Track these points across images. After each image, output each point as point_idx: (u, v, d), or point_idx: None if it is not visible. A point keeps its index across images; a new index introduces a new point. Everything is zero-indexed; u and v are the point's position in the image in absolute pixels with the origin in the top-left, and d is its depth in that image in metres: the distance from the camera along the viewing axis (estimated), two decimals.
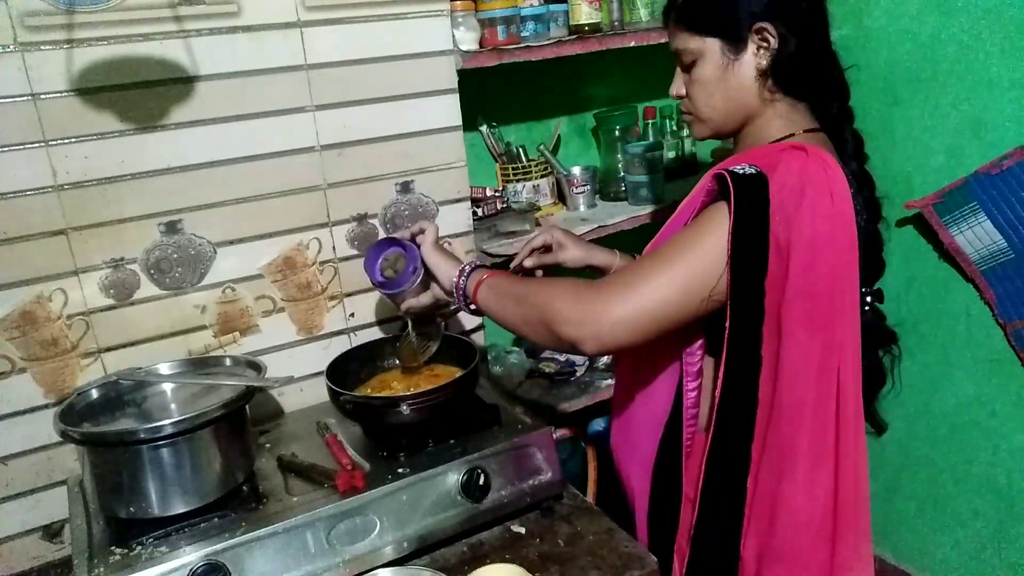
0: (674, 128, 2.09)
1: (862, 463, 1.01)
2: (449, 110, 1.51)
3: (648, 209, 1.81)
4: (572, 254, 1.31)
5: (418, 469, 1.14)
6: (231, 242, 1.37)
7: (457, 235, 1.59)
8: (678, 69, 1.13)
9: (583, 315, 0.97)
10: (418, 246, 1.20)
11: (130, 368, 1.25)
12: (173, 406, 1.17)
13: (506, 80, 1.80)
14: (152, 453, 1.03)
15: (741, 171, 0.97)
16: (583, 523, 1.18)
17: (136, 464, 1.04)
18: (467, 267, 1.14)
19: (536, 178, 1.84)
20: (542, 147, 1.88)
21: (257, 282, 1.41)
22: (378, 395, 1.30)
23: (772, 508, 1.02)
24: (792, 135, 1.06)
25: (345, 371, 1.33)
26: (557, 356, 1.90)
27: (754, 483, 1.02)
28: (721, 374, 1.02)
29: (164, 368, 1.24)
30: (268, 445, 1.30)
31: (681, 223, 1.07)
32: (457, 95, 1.51)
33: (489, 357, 1.79)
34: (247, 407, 1.16)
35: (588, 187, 1.86)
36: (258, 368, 1.20)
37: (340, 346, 1.48)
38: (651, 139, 2.01)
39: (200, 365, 1.26)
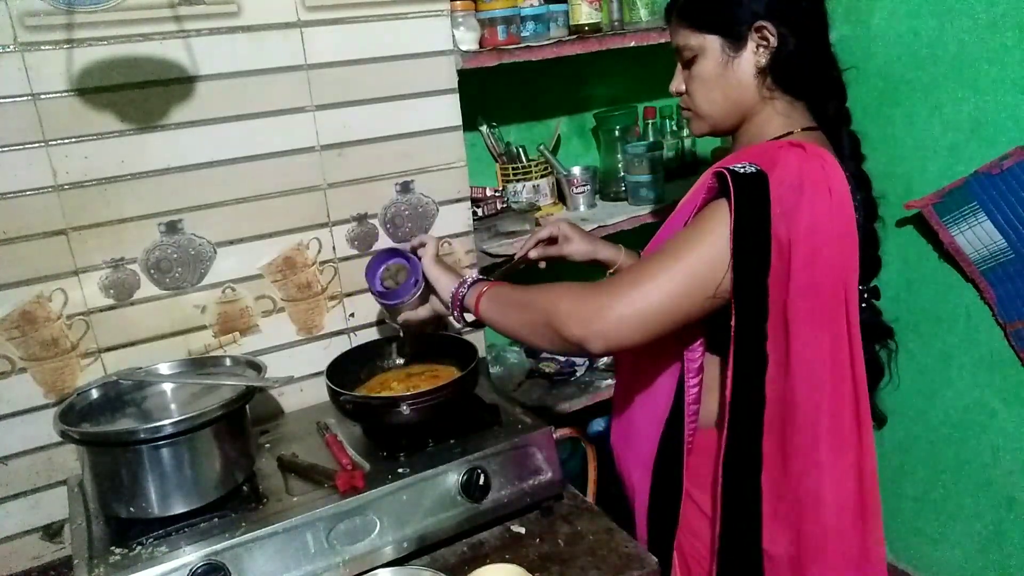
0: (674, 128, 2.09)
1: (873, 454, 1.04)
2: (449, 110, 1.51)
3: (648, 209, 1.81)
4: (577, 247, 1.32)
5: (418, 469, 1.14)
6: (231, 242, 1.37)
7: (457, 235, 1.59)
8: (679, 65, 1.14)
9: (589, 314, 0.98)
10: (419, 259, 1.21)
11: (130, 368, 1.25)
12: (173, 406, 1.17)
13: (506, 80, 1.80)
14: (152, 453, 1.03)
15: (741, 169, 0.97)
16: (583, 523, 1.18)
17: (136, 464, 1.04)
18: (468, 280, 1.16)
19: (536, 178, 1.84)
20: (542, 147, 1.88)
21: (257, 282, 1.41)
22: (378, 395, 1.30)
23: (799, 503, 1.02)
24: (790, 133, 1.07)
25: (345, 371, 1.33)
26: (557, 356, 1.90)
27: (769, 480, 1.03)
28: (730, 373, 1.02)
29: (164, 368, 1.24)
30: (268, 445, 1.30)
31: (681, 221, 1.07)
32: (457, 95, 1.51)
33: (489, 357, 1.79)
34: (247, 407, 1.16)
35: (588, 187, 1.86)
36: (258, 368, 1.20)
37: (340, 346, 1.48)
38: (651, 139, 2.01)
39: (200, 365, 1.26)
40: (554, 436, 1.23)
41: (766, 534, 1.04)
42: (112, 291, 1.29)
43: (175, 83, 1.27)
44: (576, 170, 1.86)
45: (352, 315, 1.51)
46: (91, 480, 1.08)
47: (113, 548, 1.03)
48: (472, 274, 1.19)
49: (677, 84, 1.14)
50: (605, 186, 1.97)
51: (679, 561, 1.19)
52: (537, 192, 1.85)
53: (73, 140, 1.22)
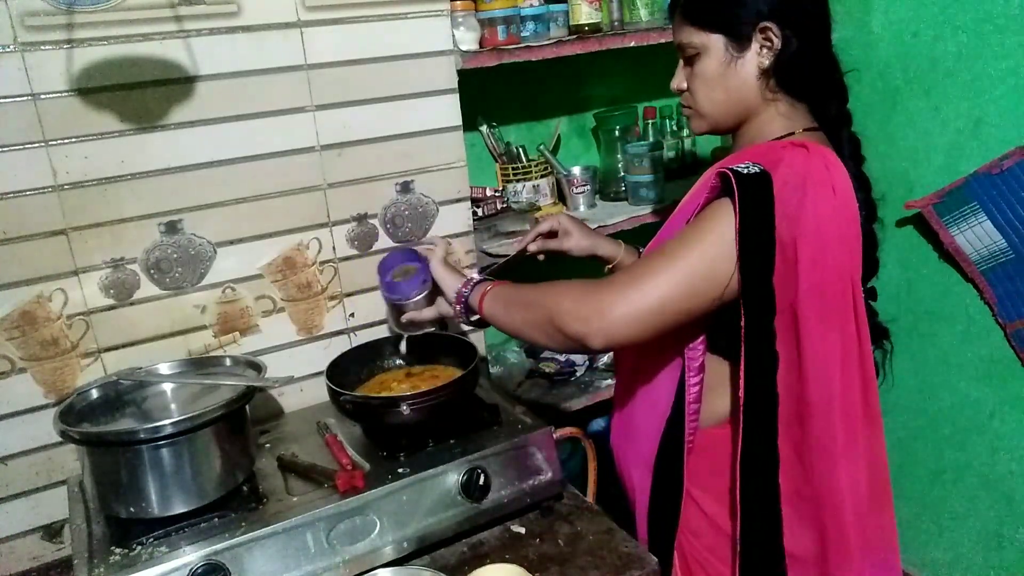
0: (674, 128, 2.10)
1: (884, 449, 1.06)
2: (449, 110, 1.51)
3: (648, 209, 1.81)
4: (577, 242, 1.32)
5: (418, 469, 1.14)
6: (231, 242, 1.37)
7: (457, 235, 1.58)
8: (680, 62, 1.14)
9: (589, 311, 0.98)
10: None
11: (130, 368, 1.25)
12: (173, 406, 1.17)
13: (506, 80, 1.80)
14: (152, 453, 1.03)
15: (745, 170, 0.97)
16: (583, 523, 1.18)
17: (136, 464, 1.04)
18: (472, 279, 1.17)
19: (536, 178, 1.84)
20: (542, 147, 1.88)
21: (257, 282, 1.41)
22: (378, 395, 1.30)
23: (819, 500, 1.02)
24: (792, 133, 1.07)
25: (345, 371, 1.33)
26: (557, 356, 1.91)
27: (787, 480, 1.03)
28: (742, 374, 1.02)
29: (164, 368, 1.24)
30: (268, 445, 1.30)
31: (683, 220, 1.08)
32: (457, 95, 1.51)
33: (489, 357, 1.79)
34: (247, 407, 1.16)
35: (588, 187, 1.86)
36: (258, 368, 1.20)
37: (340, 346, 1.48)
38: (651, 139, 2.01)
39: (200, 365, 1.26)
40: (554, 436, 1.23)
41: (787, 535, 1.04)
42: (112, 291, 1.29)
43: (175, 83, 1.27)
44: (576, 170, 1.86)
45: (352, 315, 1.51)
46: (91, 480, 1.08)
47: (113, 548, 1.03)
48: (477, 275, 1.19)
49: (679, 81, 1.14)
50: (605, 186, 1.97)
51: (679, 561, 1.19)
52: (537, 192, 1.85)
53: (73, 140, 1.22)
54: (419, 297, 1.24)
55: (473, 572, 1.03)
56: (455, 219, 1.58)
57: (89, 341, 1.29)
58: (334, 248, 1.46)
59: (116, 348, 1.31)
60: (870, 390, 1.02)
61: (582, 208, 1.86)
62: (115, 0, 1.20)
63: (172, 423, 1.03)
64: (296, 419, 1.42)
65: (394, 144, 1.47)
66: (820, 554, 1.04)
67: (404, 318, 1.26)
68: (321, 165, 1.42)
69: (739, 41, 1.05)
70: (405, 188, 1.51)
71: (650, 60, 1.91)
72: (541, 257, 1.36)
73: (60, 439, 1.06)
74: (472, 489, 1.15)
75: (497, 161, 1.89)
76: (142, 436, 1.03)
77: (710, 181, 1.02)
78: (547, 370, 1.87)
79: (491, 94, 1.83)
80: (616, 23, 1.79)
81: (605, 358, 1.92)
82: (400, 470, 1.14)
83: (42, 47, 1.17)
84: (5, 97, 1.16)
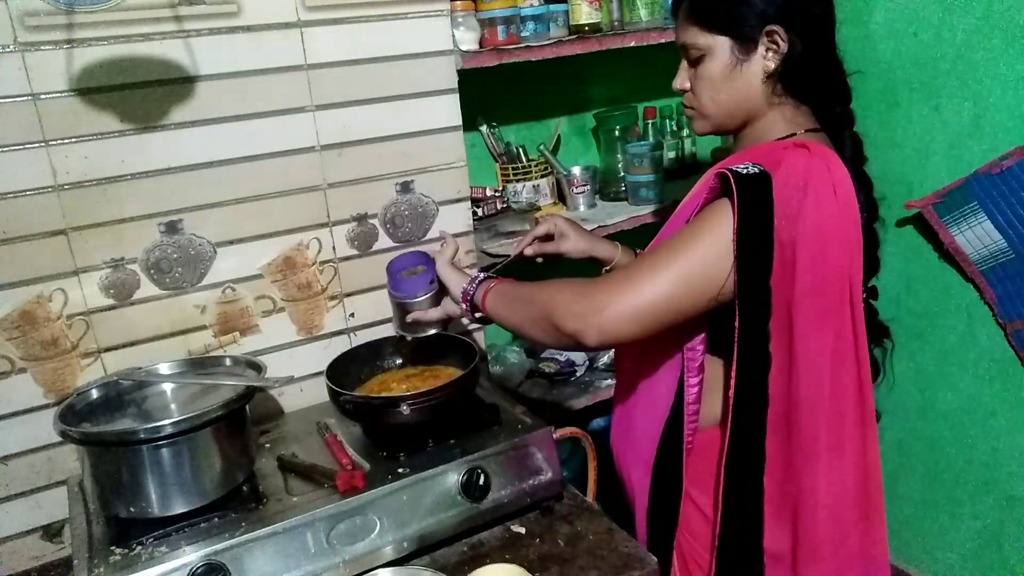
0: (674, 128, 2.10)
1: (877, 450, 1.04)
2: (449, 110, 1.51)
3: (648, 209, 1.81)
4: (574, 244, 1.32)
5: (418, 469, 1.14)
6: (231, 242, 1.37)
7: (457, 235, 1.58)
8: (683, 62, 1.13)
9: (585, 308, 0.98)
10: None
11: (130, 368, 1.25)
12: (173, 406, 1.17)
13: (506, 80, 1.80)
14: (152, 453, 1.03)
15: (744, 170, 0.97)
16: (583, 523, 1.18)
17: (136, 464, 1.04)
18: (477, 278, 1.17)
19: (536, 178, 1.84)
20: (542, 147, 1.88)
21: (257, 282, 1.41)
22: (378, 395, 1.30)
23: (796, 503, 1.02)
24: (794, 135, 1.07)
25: (345, 371, 1.33)
26: (557, 356, 1.90)
27: (771, 480, 1.03)
28: (733, 373, 1.02)
29: (164, 368, 1.24)
30: (268, 445, 1.30)
31: (683, 220, 1.08)
32: (457, 95, 1.51)
33: (489, 357, 1.79)
34: (247, 407, 1.16)
35: (588, 187, 1.86)
36: (258, 368, 1.20)
37: (340, 346, 1.48)
38: (651, 139, 2.01)
39: (200, 365, 1.26)
40: (554, 436, 1.23)
41: (767, 533, 1.04)
42: (112, 291, 1.29)
43: (175, 83, 1.27)
44: (576, 170, 1.86)
45: (352, 315, 1.51)
46: (91, 480, 1.08)
47: (113, 548, 1.03)
48: (481, 273, 1.20)
49: (681, 81, 1.13)
50: (605, 186, 1.97)
51: (679, 562, 1.19)
52: (537, 192, 1.85)
53: (73, 140, 1.22)
54: (425, 297, 1.24)
55: (473, 572, 1.03)
56: (455, 219, 1.58)
57: (89, 341, 1.29)
58: (334, 248, 1.46)
59: (116, 348, 1.31)
60: (865, 393, 1.01)
61: (582, 208, 1.86)
62: (115, 0, 1.20)
63: (172, 423, 1.03)
64: (296, 419, 1.42)
65: (394, 144, 1.47)
66: (792, 556, 1.04)
67: (410, 318, 1.26)
68: (321, 165, 1.42)
69: (745, 44, 1.05)
70: (405, 188, 1.51)
71: (650, 60, 1.90)
72: (539, 260, 1.36)
73: (60, 439, 1.06)
74: (472, 489, 1.15)
75: (497, 161, 1.89)
76: (142, 436, 1.03)
77: (709, 181, 1.02)
78: (547, 370, 1.87)
79: (491, 94, 1.83)
80: (616, 23, 1.79)
81: (605, 358, 1.92)
82: (400, 470, 1.14)
83: (42, 47, 1.17)
84: (5, 97, 1.16)
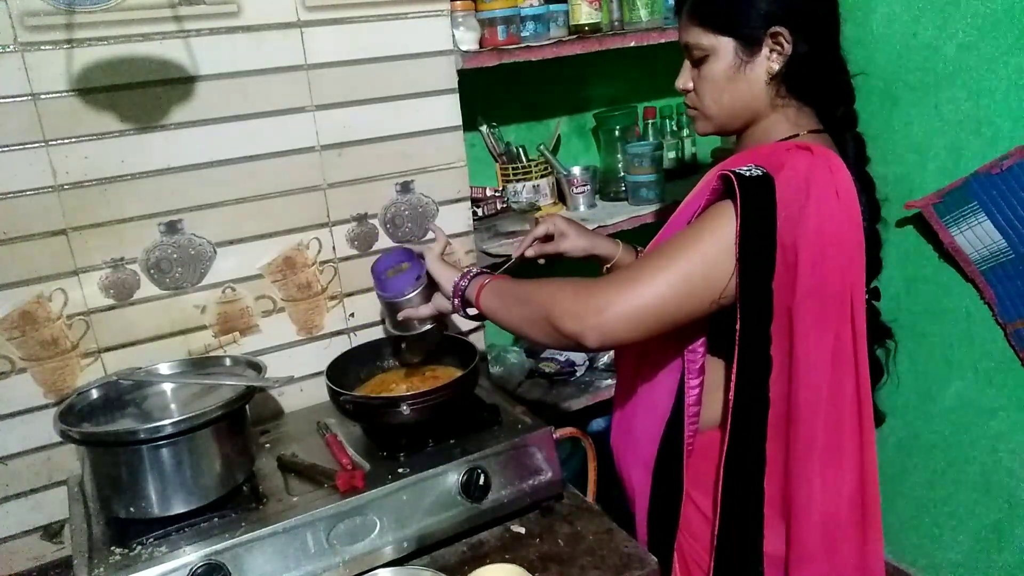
0: (674, 128, 2.10)
1: (874, 454, 1.04)
2: (449, 110, 1.51)
3: (648, 209, 1.81)
4: (574, 243, 1.31)
5: (418, 469, 1.14)
6: (231, 242, 1.37)
7: (457, 235, 1.59)
8: (686, 62, 1.12)
9: (584, 309, 0.98)
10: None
11: (130, 368, 1.25)
12: (173, 406, 1.17)
13: (506, 80, 1.80)
14: (152, 453, 1.03)
15: (747, 172, 0.97)
16: (583, 523, 1.18)
17: (136, 464, 1.04)
18: (470, 272, 1.15)
19: (536, 178, 1.84)
20: (542, 147, 1.88)
21: (257, 282, 1.41)
22: (378, 395, 1.30)
23: (792, 502, 1.02)
24: (796, 136, 1.06)
25: (345, 371, 1.33)
26: (557, 356, 1.91)
27: (771, 483, 1.03)
28: (734, 376, 1.02)
29: (164, 368, 1.24)
30: (268, 445, 1.30)
31: (684, 220, 1.07)
32: (457, 95, 1.51)
33: (489, 357, 1.79)
34: (247, 407, 1.16)
35: (588, 187, 1.86)
36: (258, 368, 1.20)
37: (340, 346, 1.48)
38: (651, 139, 2.01)
39: (200, 365, 1.26)
40: (554, 436, 1.23)
41: (768, 536, 1.04)
42: (112, 291, 1.29)
43: (175, 83, 1.27)
44: (576, 170, 1.86)
45: (352, 315, 1.51)
46: (91, 480, 1.09)
47: (113, 548, 1.03)
48: (475, 268, 1.18)
49: (684, 81, 1.12)
50: (605, 186, 1.97)
51: (679, 563, 1.18)
52: (537, 192, 1.85)
53: (73, 140, 1.22)
54: (414, 294, 1.22)
55: (473, 572, 1.03)
56: (455, 219, 1.58)
57: (89, 341, 1.29)
58: (334, 248, 1.46)
59: (116, 348, 1.31)
60: (863, 397, 1.01)
61: (582, 208, 1.86)
62: (115, 0, 1.20)
63: (172, 423, 1.03)
64: (296, 419, 1.42)
65: (394, 144, 1.47)
66: (786, 557, 1.04)
67: (401, 315, 1.24)
68: (321, 165, 1.42)
69: (749, 45, 1.04)
70: (405, 188, 1.51)
71: (650, 60, 1.90)
72: (541, 261, 1.35)
73: (60, 439, 1.06)
74: (472, 489, 1.15)
75: (497, 161, 1.89)
76: (142, 436, 1.03)
77: (712, 183, 1.02)
78: (547, 370, 1.87)
79: (491, 94, 1.83)
80: (616, 23, 1.79)
81: (605, 358, 1.92)
82: (400, 470, 1.14)
83: (42, 47, 1.17)
84: (5, 97, 1.16)
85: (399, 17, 1.42)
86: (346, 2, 1.37)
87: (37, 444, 1.27)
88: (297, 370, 1.45)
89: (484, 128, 1.86)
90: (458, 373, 1.27)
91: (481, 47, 1.55)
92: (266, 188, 1.38)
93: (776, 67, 1.04)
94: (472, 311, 1.15)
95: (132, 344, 1.33)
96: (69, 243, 1.25)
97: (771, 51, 1.04)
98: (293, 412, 1.46)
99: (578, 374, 1.88)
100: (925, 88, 1.61)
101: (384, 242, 1.51)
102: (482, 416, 1.29)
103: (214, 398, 1.11)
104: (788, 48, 1.03)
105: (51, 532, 1.31)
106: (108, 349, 1.31)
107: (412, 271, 1.24)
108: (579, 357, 1.91)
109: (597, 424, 2.01)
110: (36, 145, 1.20)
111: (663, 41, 1.73)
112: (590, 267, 1.39)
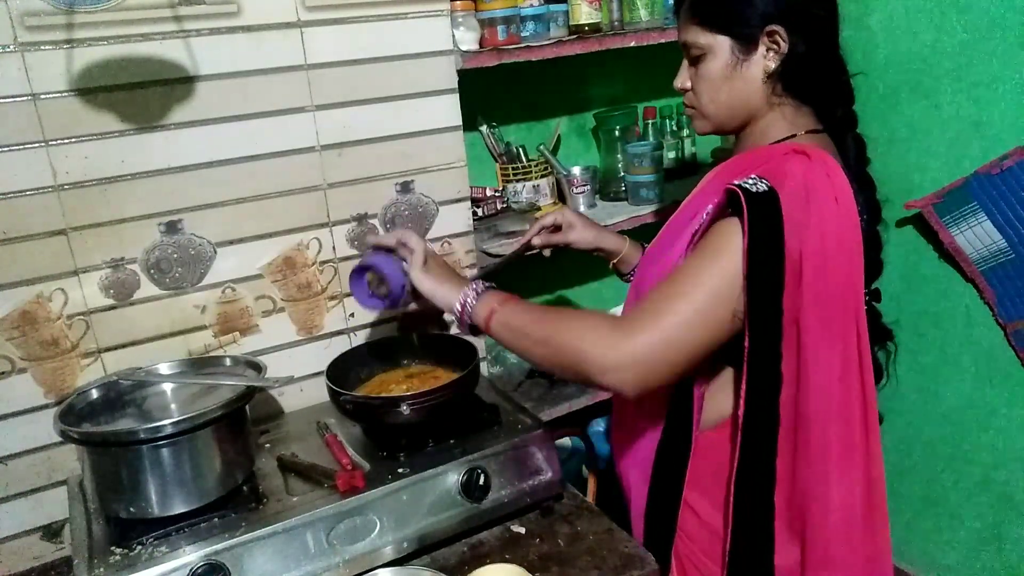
0: (674, 128, 2.10)
1: (880, 448, 1.04)
2: (449, 110, 1.51)
3: (648, 209, 1.81)
4: (581, 235, 1.31)
5: (418, 469, 1.14)
6: (231, 242, 1.37)
7: (457, 235, 1.59)
8: (684, 61, 1.13)
9: (618, 360, 0.95)
10: (403, 259, 1.16)
11: (130, 368, 1.25)
12: (173, 406, 1.17)
13: (506, 80, 1.80)
14: (152, 453, 1.03)
15: (753, 187, 0.95)
16: (583, 523, 1.18)
17: (136, 464, 1.04)
18: (471, 292, 1.08)
19: (536, 178, 1.84)
20: (542, 147, 1.88)
21: (257, 282, 1.41)
22: (378, 395, 1.30)
23: (807, 511, 1.01)
24: (794, 136, 1.06)
25: (345, 371, 1.33)
26: None
27: (781, 496, 1.02)
28: (743, 394, 1.00)
29: (164, 368, 1.24)
30: (268, 445, 1.30)
31: (686, 222, 1.07)
32: (457, 95, 1.51)
33: (489, 357, 1.79)
34: (247, 407, 1.16)
35: (588, 187, 1.86)
36: (258, 368, 1.20)
37: (340, 346, 1.48)
38: (651, 139, 2.01)
39: (200, 365, 1.26)
40: (553, 437, 1.23)
41: (778, 549, 1.03)
42: (112, 291, 1.29)
43: (175, 83, 1.27)
44: (576, 170, 1.86)
45: (352, 315, 1.51)
46: (91, 480, 1.09)
47: (113, 548, 1.03)
48: (474, 283, 1.10)
49: (682, 80, 1.13)
50: (605, 186, 1.97)
51: (676, 564, 1.18)
52: (537, 192, 1.85)
53: (73, 140, 1.22)
54: (401, 306, 1.15)
55: (473, 572, 1.03)
56: (455, 219, 1.58)
57: (89, 341, 1.29)
58: (334, 248, 1.46)
59: (116, 348, 1.31)
60: (869, 398, 1.01)
61: (582, 208, 1.86)
62: (115, 0, 1.20)
63: (172, 423, 1.03)
64: (296, 419, 1.42)
65: (394, 144, 1.47)
66: (800, 562, 1.04)
67: (412, 307, 1.14)
68: (321, 165, 1.42)
69: (746, 43, 1.04)
70: (405, 188, 1.51)
71: (650, 60, 1.90)
72: (547, 253, 1.35)
73: (60, 439, 1.06)
74: (472, 489, 1.15)
75: (497, 161, 1.89)
76: (142, 436, 1.03)
77: (715, 194, 1.01)
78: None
79: (491, 94, 1.83)
80: (616, 23, 1.79)
81: None
82: (400, 470, 1.14)
83: (42, 47, 1.17)
84: (5, 97, 1.16)
85: (399, 17, 1.42)
86: (346, 2, 1.37)
87: (37, 444, 1.27)
88: (297, 370, 1.45)
89: (484, 128, 1.86)
90: (458, 374, 1.27)
91: (481, 47, 1.55)
92: (266, 188, 1.38)
93: (772, 66, 1.04)
94: (480, 334, 1.10)
95: (132, 344, 1.32)
96: (69, 243, 1.25)
97: (767, 50, 1.04)
98: (293, 412, 1.46)
99: None
100: (925, 88, 1.61)
101: None
102: (482, 416, 1.29)
103: (214, 398, 1.11)
104: (784, 47, 1.03)
105: (51, 532, 1.31)
106: (108, 349, 1.31)
107: (392, 282, 1.13)
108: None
109: (597, 424, 2.01)
110: (36, 145, 1.20)
111: (663, 41, 1.73)
112: (595, 262, 1.40)
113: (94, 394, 1.17)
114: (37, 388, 1.26)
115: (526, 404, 1.35)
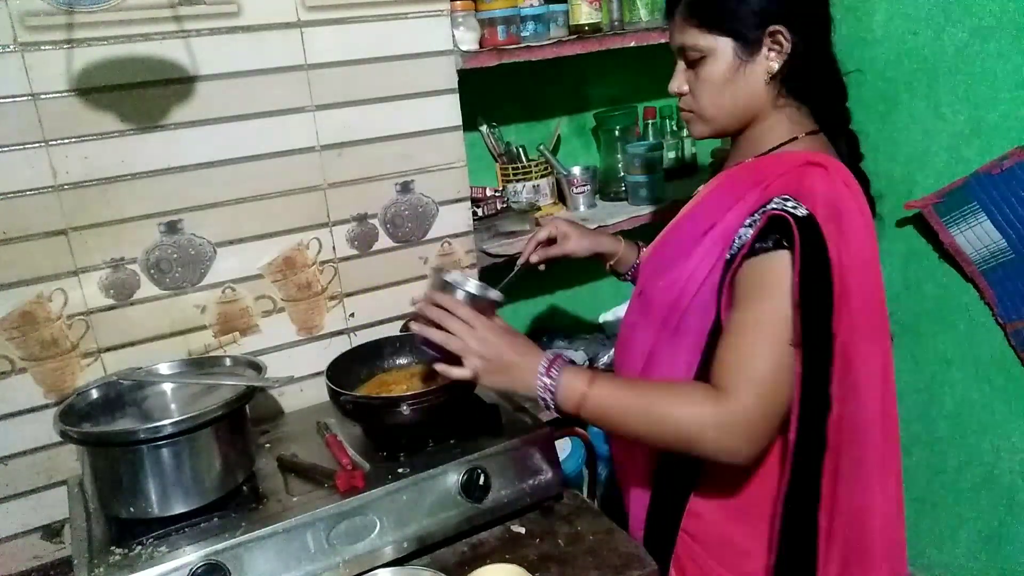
0: (674, 128, 2.09)
1: (900, 455, 1.05)
2: (449, 110, 1.51)
3: (648, 209, 1.81)
4: (578, 244, 1.31)
5: (418, 469, 1.14)
6: (231, 242, 1.37)
7: (457, 235, 1.59)
8: (680, 64, 1.10)
9: (734, 437, 0.95)
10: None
11: (130, 368, 1.25)
12: (173, 406, 1.17)
13: (506, 80, 1.80)
14: (152, 453, 1.03)
15: (795, 211, 0.94)
16: (583, 523, 1.18)
17: (136, 464, 1.03)
18: (547, 380, 1.00)
19: (536, 178, 1.84)
20: (542, 147, 1.88)
21: (257, 282, 1.41)
22: (378, 395, 1.29)
23: (848, 520, 1.01)
24: (795, 138, 1.06)
25: (345, 371, 1.32)
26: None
27: (824, 514, 1.00)
28: (795, 421, 0.97)
29: (164, 368, 1.24)
30: (268, 445, 1.30)
31: (699, 234, 1.05)
32: (457, 95, 1.51)
33: None
34: (247, 407, 1.16)
35: (588, 187, 1.86)
36: (258, 368, 1.20)
37: (340, 346, 1.48)
38: (651, 139, 2.01)
39: (200, 365, 1.26)
40: (554, 436, 1.23)
41: (820, 563, 1.02)
42: (112, 291, 1.29)
43: (175, 83, 1.27)
44: (576, 170, 1.86)
45: (352, 315, 1.51)
46: (91, 480, 1.08)
47: (113, 548, 1.03)
48: (544, 363, 1.01)
49: (679, 84, 1.10)
50: (605, 186, 1.97)
51: (675, 564, 1.18)
52: (537, 192, 1.85)
53: (73, 140, 1.22)
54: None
55: (473, 572, 1.03)
56: (455, 219, 1.58)
57: (89, 341, 1.29)
58: (334, 248, 1.46)
59: (116, 348, 1.31)
60: (889, 409, 1.01)
61: (582, 208, 1.86)
62: (115, 0, 1.20)
63: (172, 423, 1.03)
64: (296, 419, 1.42)
65: (394, 144, 1.47)
66: (843, 568, 1.03)
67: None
68: (321, 165, 1.42)
69: (748, 44, 1.03)
70: (405, 188, 1.51)
71: (650, 60, 1.90)
72: (542, 267, 1.34)
73: (60, 439, 1.06)
74: (472, 489, 1.15)
75: (497, 161, 1.89)
76: (142, 436, 1.03)
77: (731, 207, 1.00)
78: None
79: (491, 94, 1.83)
80: (616, 23, 1.79)
81: (605, 358, 1.92)
82: (400, 470, 1.14)
83: (42, 47, 1.17)
84: (5, 97, 1.16)
85: (399, 17, 1.42)
86: (346, 2, 1.37)
87: (37, 444, 1.27)
88: (297, 370, 1.45)
89: (484, 128, 1.86)
90: None
91: (481, 47, 1.55)
92: (266, 188, 1.38)
93: (776, 66, 1.03)
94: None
95: (132, 344, 1.33)
96: (69, 243, 1.25)
97: (770, 50, 1.03)
98: (293, 412, 1.46)
99: None
100: (925, 88, 1.61)
101: (384, 242, 1.51)
102: (482, 416, 1.29)
103: (214, 398, 1.11)
104: (787, 47, 1.02)
105: (51, 532, 1.31)
106: (108, 349, 1.31)
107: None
108: (579, 357, 1.91)
109: None
110: (36, 145, 1.20)
111: (663, 41, 1.73)
112: (593, 266, 1.39)
113: (94, 394, 1.17)
114: (37, 388, 1.26)
115: (526, 404, 1.35)
